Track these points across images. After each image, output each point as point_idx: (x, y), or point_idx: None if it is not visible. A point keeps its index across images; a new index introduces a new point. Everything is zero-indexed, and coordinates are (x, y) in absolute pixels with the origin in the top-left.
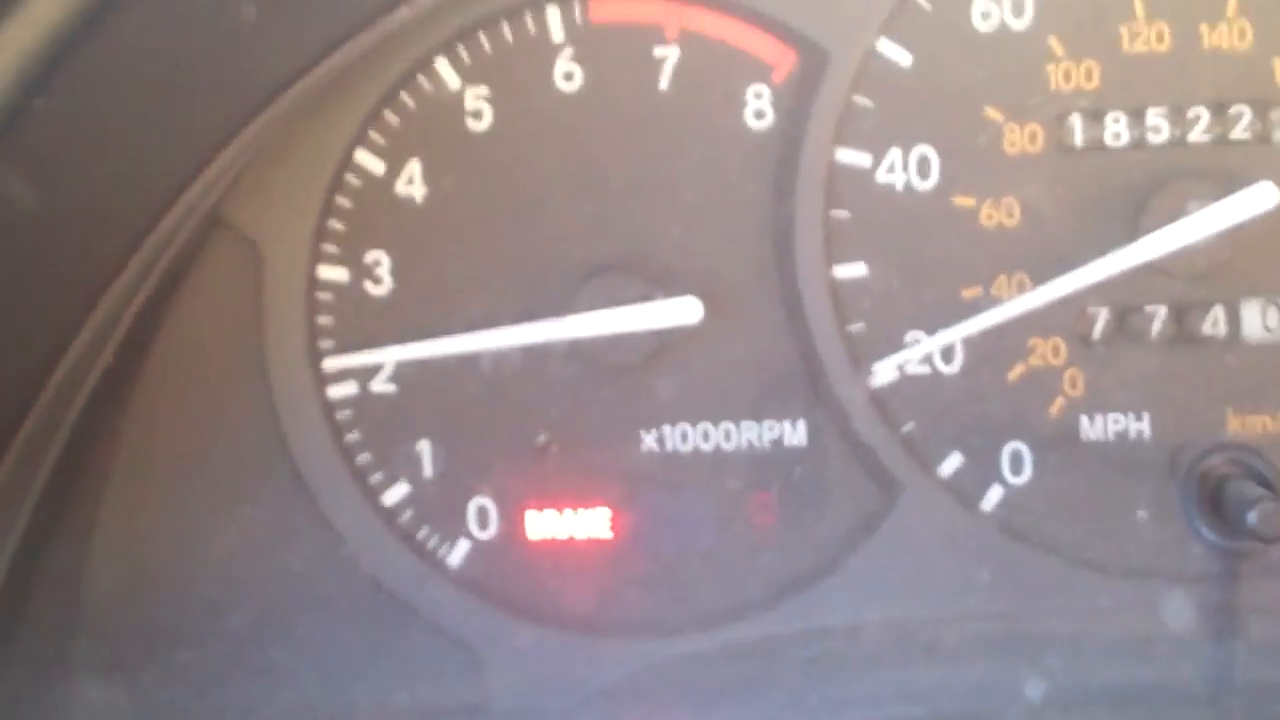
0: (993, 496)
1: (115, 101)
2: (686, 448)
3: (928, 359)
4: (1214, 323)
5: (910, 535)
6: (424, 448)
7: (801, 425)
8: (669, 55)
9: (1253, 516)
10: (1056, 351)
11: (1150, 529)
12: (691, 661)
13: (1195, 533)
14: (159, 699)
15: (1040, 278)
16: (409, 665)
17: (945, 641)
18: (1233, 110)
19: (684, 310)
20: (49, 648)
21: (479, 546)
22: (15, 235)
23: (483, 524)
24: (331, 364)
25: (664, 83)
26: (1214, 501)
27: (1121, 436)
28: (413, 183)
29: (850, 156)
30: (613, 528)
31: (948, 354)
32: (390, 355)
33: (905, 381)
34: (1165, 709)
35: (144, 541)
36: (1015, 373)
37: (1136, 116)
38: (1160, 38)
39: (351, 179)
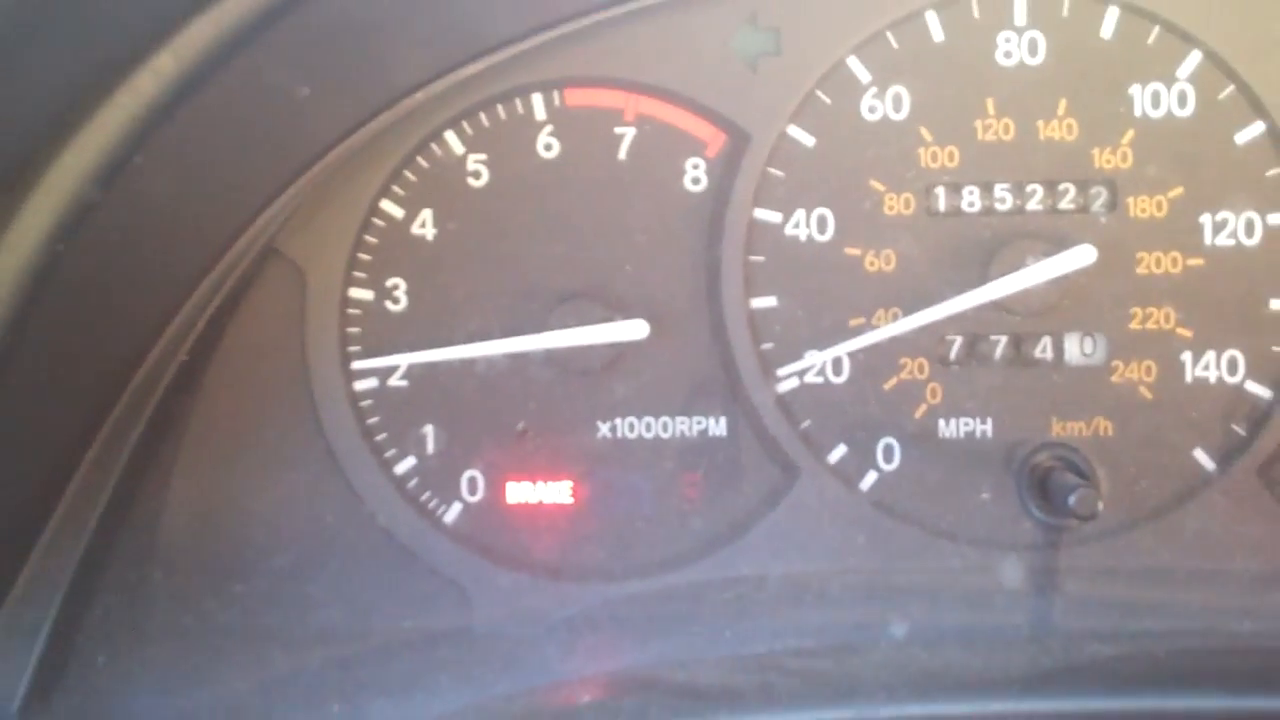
0: (869, 479)
1: (197, 157)
2: (633, 435)
3: (821, 371)
4: (1043, 349)
5: (805, 508)
6: (428, 430)
7: (723, 421)
8: (627, 133)
9: (1073, 500)
10: (922, 369)
11: (991, 507)
12: (634, 601)
13: (1027, 511)
14: (216, 620)
15: (910, 311)
16: (413, 599)
17: (831, 590)
18: (1060, 187)
19: (634, 329)
20: (131, 577)
21: (469, 508)
22: (116, 260)
23: (472, 490)
24: (358, 364)
25: (622, 154)
26: (1042, 487)
27: (970, 435)
28: (425, 225)
29: (765, 215)
30: (573, 495)
31: (837, 368)
32: (404, 359)
33: (804, 389)
34: (1001, 647)
35: (207, 497)
36: (889, 384)
37: (987, 189)
38: (1007, 130)
39: (377, 221)
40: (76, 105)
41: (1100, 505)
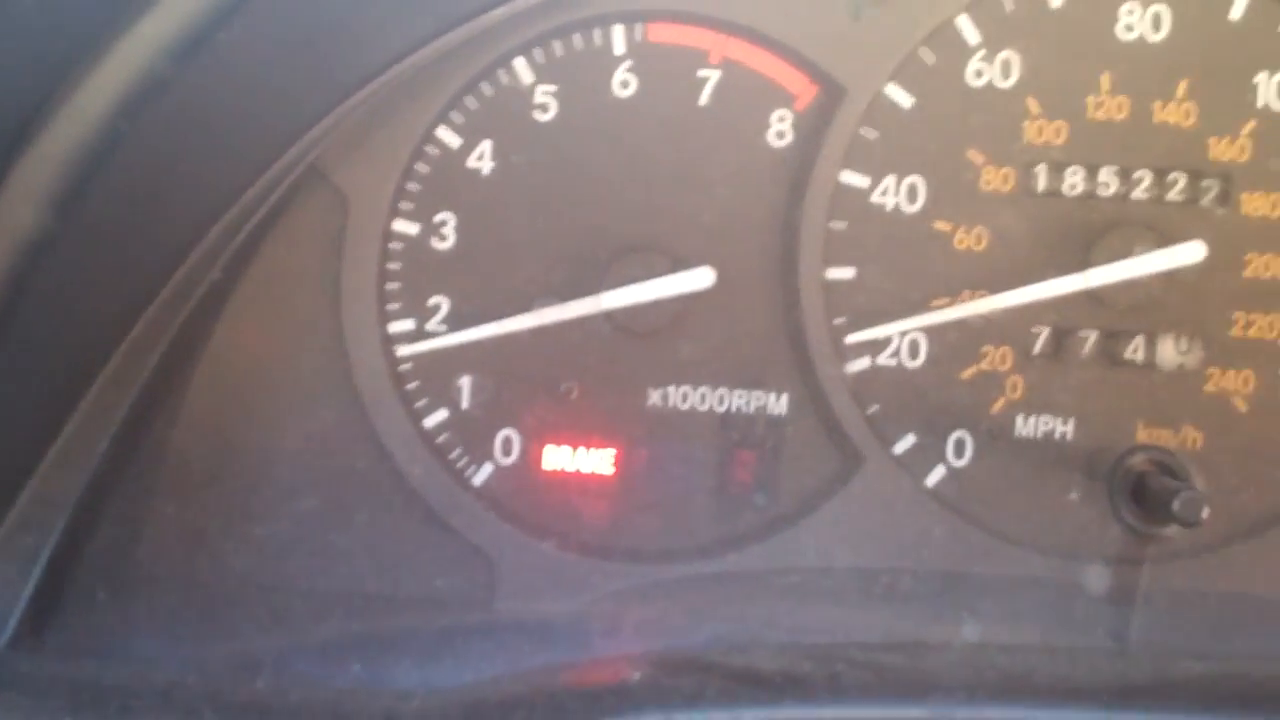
0: (936, 474)
1: (264, 49)
2: (685, 406)
3: (896, 353)
4: (1135, 349)
5: (866, 499)
6: (465, 382)
7: (784, 398)
8: (711, 76)
9: (1177, 504)
10: (1004, 359)
11: (1074, 512)
12: (680, 583)
13: (1117, 516)
14: (232, 563)
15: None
16: (441, 562)
17: (900, 585)
18: (1170, 176)
19: (699, 277)
20: (140, 509)
21: (501, 470)
22: (167, 154)
23: (506, 452)
24: (395, 303)
25: (704, 99)
26: (1137, 491)
27: (1048, 436)
28: (482, 158)
29: (852, 178)
30: (614, 466)
31: (913, 350)
32: (445, 303)
33: (875, 370)
34: (1085, 657)
35: (227, 429)
36: (968, 373)
37: (1092, 172)
38: (1120, 109)
39: (431, 149)
40: None
41: (1206, 510)
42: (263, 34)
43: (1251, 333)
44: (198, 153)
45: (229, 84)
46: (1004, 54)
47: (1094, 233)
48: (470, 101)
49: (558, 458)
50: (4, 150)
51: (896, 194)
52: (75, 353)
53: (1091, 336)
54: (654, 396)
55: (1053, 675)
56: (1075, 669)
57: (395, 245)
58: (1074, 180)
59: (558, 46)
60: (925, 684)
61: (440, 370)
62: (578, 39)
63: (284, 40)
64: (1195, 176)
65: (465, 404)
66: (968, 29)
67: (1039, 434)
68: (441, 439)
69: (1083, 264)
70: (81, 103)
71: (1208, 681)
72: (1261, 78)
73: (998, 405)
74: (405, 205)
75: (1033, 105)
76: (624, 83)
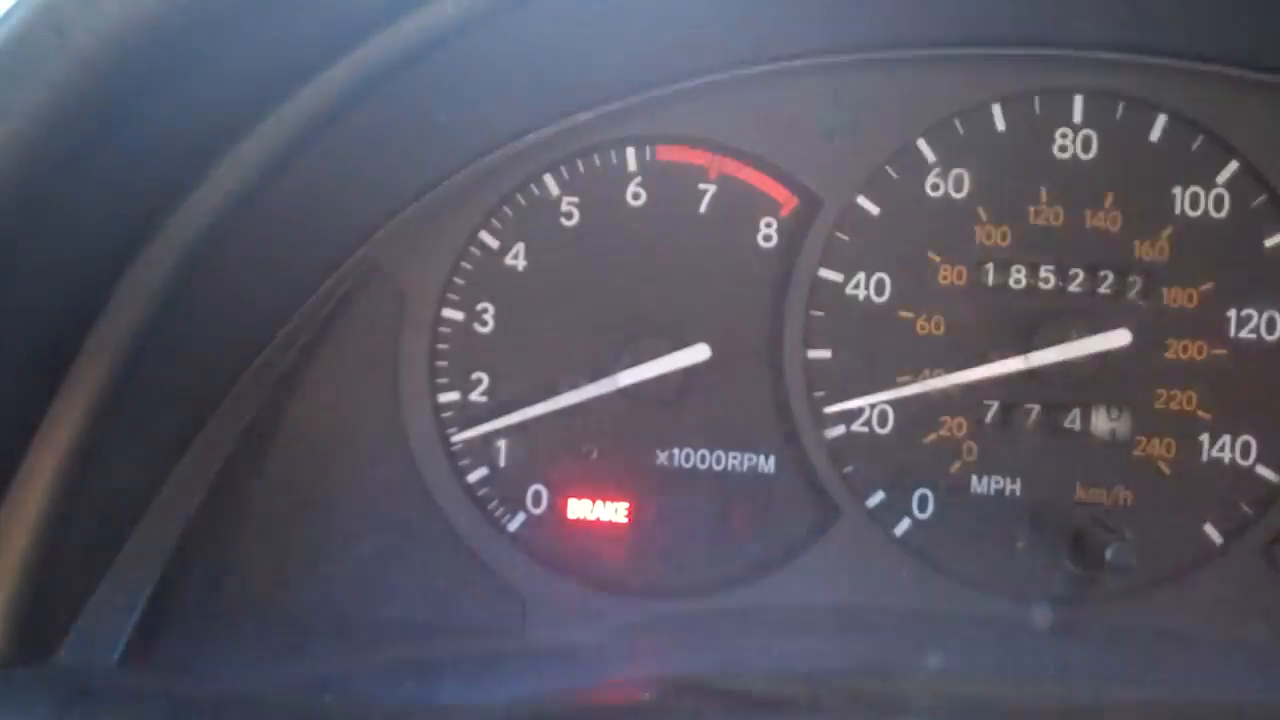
0: (903, 525)
1: (342, 167)
2: (688, 465)
3: (868, 421)
4: (1072, 420)
5: (844, 546)
6: (501, 444)
7: (772, 459)
8: (709, 189)
9: (1110, 553)
10: (960, 428)
11: (1022, 559)
12: (684, 617)
13: (1059, 564)
14: (306, 599)
15: (953, 373)
16: (480, 598)
17: (873, 621)
18: (1101, 273)
19: (697, 353)
20: (229, 550)
21: (531, 519)
22: (257, 258)
23: (536, 503)
24: (443, 378)
25: (703, 208)
26: (1077, 542)
27: (999, 493)
28: (517, 257)
29: (829, 274)
30: (628, 516)
31: (883, 420)
32: (486, 378)
33: (850, 436)
34: (1028, 685)
35: (303, 482)
36: (929, 439)
37: (1033, 269)
38: (1056, 216)
39: (475, 250)
40: (262, 103)
41: (1135, 559)
42: (335, 158)
43: (1173, 406)
44: (280, 255)
45: (307, 199)
46: (956, 170)
47: (1035, 320)
48: (507, 210)
49: (580, 508)
50: (121, 256)
51: (867, 287)
52: (176, 421)
53: (1035, 409)
54: (661, 457)
55: (1005, 699)
56: (1024, 694)
57: (444, 329)
58: (1018, 276)
59: (580, 165)
60: (894, 707)
61: (481, 435)
62: (597, 158)
63: (352, 162)
64: (1122, 273)
65: (502, 463)
66: (926, 149)
67: (991, 491)
68: (482, 492)
69: (1026, 347)
70: (185, 216)
71: (1139, 706)
72: (1177, 190)
73: (955, 467)
74: (452, 296)
75: (982, 213)
76: (636, 194)
